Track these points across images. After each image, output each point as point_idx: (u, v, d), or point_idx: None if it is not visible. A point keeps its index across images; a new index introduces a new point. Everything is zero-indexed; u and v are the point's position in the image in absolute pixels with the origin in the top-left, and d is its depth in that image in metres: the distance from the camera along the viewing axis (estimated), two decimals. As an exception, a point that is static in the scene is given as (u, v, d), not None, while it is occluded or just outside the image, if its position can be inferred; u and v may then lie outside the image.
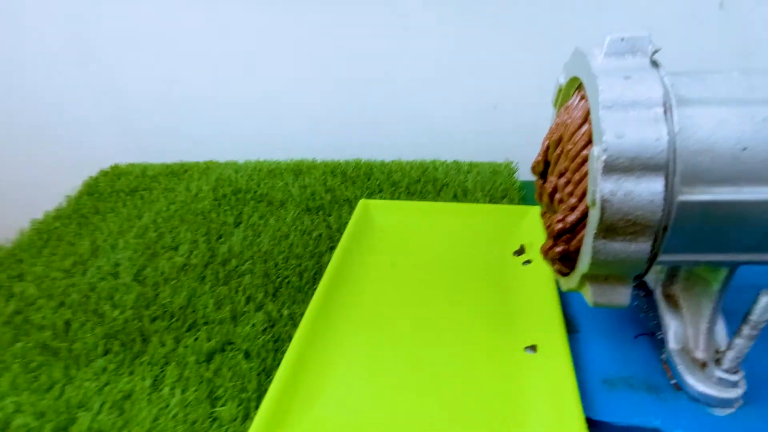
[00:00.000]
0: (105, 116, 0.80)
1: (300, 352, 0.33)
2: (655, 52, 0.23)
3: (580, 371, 0.30)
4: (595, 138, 0.23)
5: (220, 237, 0.50)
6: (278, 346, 0.36)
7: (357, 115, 0.73)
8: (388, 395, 0.31)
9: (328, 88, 0.72)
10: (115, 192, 0.63)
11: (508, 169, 0.57)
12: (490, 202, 0.52)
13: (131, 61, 0.75)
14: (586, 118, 0.25)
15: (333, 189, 0.58)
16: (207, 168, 0.67)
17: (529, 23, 0.62)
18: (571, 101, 0.29)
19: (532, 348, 0.32)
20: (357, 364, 0.33)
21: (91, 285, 0.45)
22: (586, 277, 0.25)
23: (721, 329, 0.29)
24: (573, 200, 0.25)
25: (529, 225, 0.45)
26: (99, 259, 0.49)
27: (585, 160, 0.25)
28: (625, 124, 0.21)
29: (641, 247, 0.22)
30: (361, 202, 0.50)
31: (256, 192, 0.59)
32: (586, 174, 0.24)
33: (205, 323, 0.39)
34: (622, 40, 0.23)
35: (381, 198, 0.55)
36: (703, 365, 0.29)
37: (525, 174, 0.58)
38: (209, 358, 0.35)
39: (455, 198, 0.53)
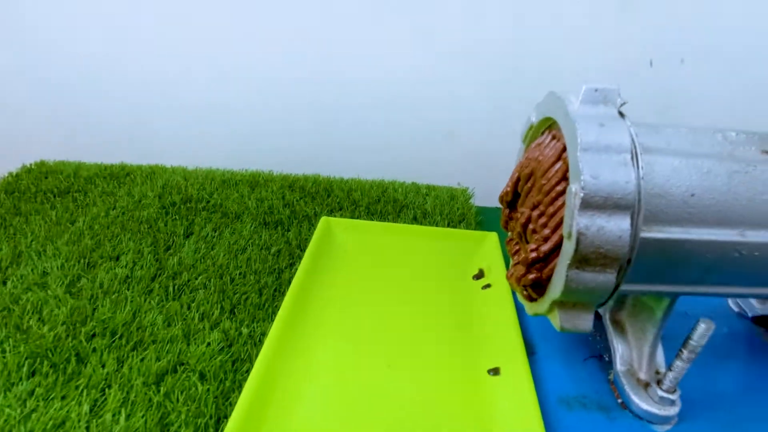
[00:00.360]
0: (33, 104, 0.73)
1: (265, 373, 0.31)
2: (623, 104, 0.26)
3: (539, 391, 0.32)
4: (571, 176, 0.25)
5: (168, 248, 0.47)
6: (238, 367, 0.34)
7: (315, 130, 0.73)
8: (354, 419, 0.30)
9: (287, 101, 0.71)
10: (41, 192, 0.57)
11: (465, 195, 0.60)
12: (449, 225, 0.53)
13: (67, 42, 0.69)
14: (559, 157, 0.28)
15: (292, 204, 0.57)
16: (152, 172, 0.62)
17: (484, 59, 0.66)
18: (542, 139, 0.31)
19: (495, 371, 0.34)
20: (323, 386, 0.32)
21: (13, 296, 0.40)
22: (556, 304, 0.27)
23: (659, 352, 0.33)
24: (546, 231, 0.27)
25: (488, 250, 0.47)
26: (22, 268, 0.43)
27: (559, 195, 0.27)
28: (600, 166, 0.23)
29: (608, 277, 0.24)
30: (323, 219, 0.50)
31: (208, 202, 0.56)
32: (559, 208, 0.26)
33: (153, 342, 0.36)
34: (596, 90, 0.25)
35: (341, 216, 0.55)
36: (646, 385, 0.31)
37: (480, 200, 0.61)
38: (159, 379, 0.33)
39: (415, 220, 0.55)
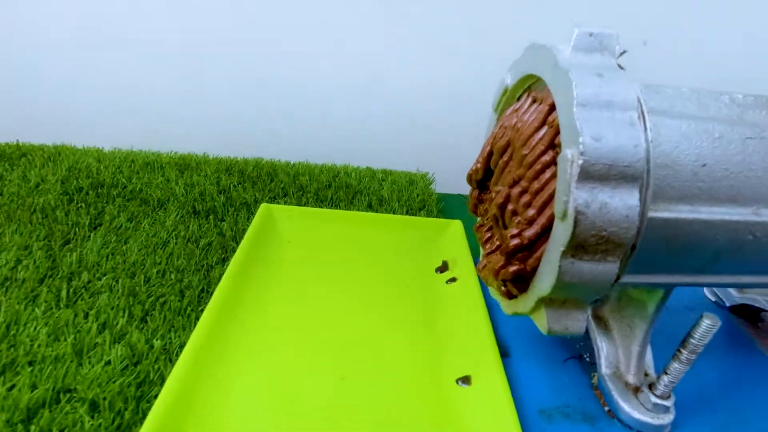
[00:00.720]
0: None
1: (177, 398, 0.24)
2: (623, 53, 0.21)
3: (516, 401, 0.27)
4: (564, 140, 0.19)
5: (67, 242, 0.38)
6: (144, 391, 0.27)
7: (258, 110, 0.65)
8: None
9: (226, 77, 0.62)
10: None
11: (425, 180, 0.54)
12: (408, 213, 0.48)
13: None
14: (543, 121, 0.22)
15: (228, 190, 0.49)
16: (57, 153, 0.52)
17: (447, 42, 0.61)
18: (519, 104, 0.26)
19: (465, 380, 0.28)
20: (257, 410, 0.26)
21: None
22: (543, 301, 0.22)
23: (648, 352, 0.29)
24: (531, 212, 0.21)
25: (451, 239, 0.42)
26: None
27: (545, 167, 0.22)
28: (602, 126, 0.18)
29: (609, 267, 0.20)
30: (263, 206, 0.43)
31: (125, 187, 0.47)
32: (546, 183, 0.21)
33: (30, 363, 0.27)
34: (591, 35, 0.20)
35: (286, 203, 0.48)
36: (636, 390, 0.27)
37: (441, 186, 0.56)
38: (31, 414, 0.25)
39: (370, 207, 0.49)
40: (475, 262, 0.39)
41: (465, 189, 0.70)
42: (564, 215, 0.19)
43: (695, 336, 0.24)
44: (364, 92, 0.63)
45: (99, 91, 0.63)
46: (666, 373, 0.26)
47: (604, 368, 0.29)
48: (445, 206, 0.51)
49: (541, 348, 0.33)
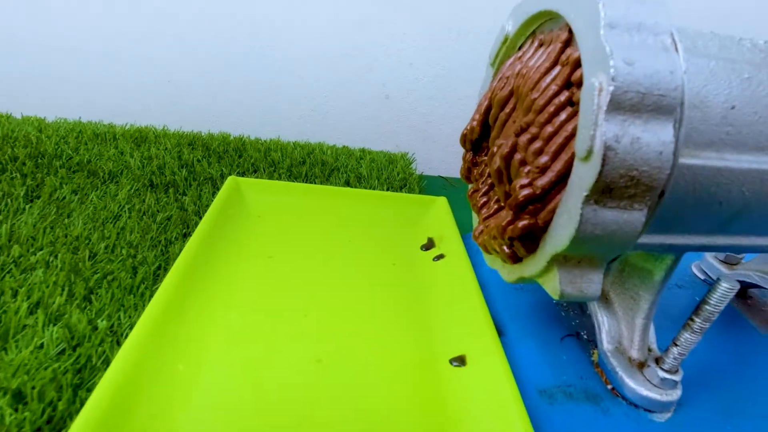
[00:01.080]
0: None
1: (123, 384, 0.20)
2: (648, -22, 0.18)
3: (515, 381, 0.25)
4: (589, 68, 0.17)
5: (-3, 214, 0.33)
6: (84, 378, 0.22)
7: (227, 83, 0.60)
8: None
9: (189, 44, 0.57)
10: None
11: (405, 159, 0.52)
12: (389, 191, 0.45)
13: None
14: (555, 61, 0.20)
15: (191, 164, 0.44)
16: (-10, 121, 0.46)
17: (427, 17, 0.59)
18: (521, 52, 0.24)
19: (460, 360, 0.26)
20: (218, 396, 0.22)
21: None
22: (556, 260, 0.19)
23: (651, 325, 0.27)
24: (544, 159, 0.19)
25: (437, 216, 0.39)
26: None
27: (559, 109, 0.19)
28: (633, 50, 0.16)
29: (635, 216, 0.17)
30: (231, 178, 0.39)
31: (70, 159, 0.42)
32: (561, 126, 0.19)
33: (-59, 348, 0.23)
34: (614, -44, 0.18)
35: (257, 179, 0.44)
36: (641, 365, 0.25)
37: (424, 169, 0.53)
38: (-63, 409, 0.20)
39: (348, 185, 0.45)
40: (464, 238, 0.36)
41: (445, 171, 0.68)
42: (589, 153, 0.16)
43: (711, 301, 0.22)
44: (337, 65, 0.60)
45: (43, 59, 0.57)
46: (675, 345, 0.24)
47: (606, 344, 0.27)
48: (427, 185, 0.49)
49: (536, 326, 0.30)
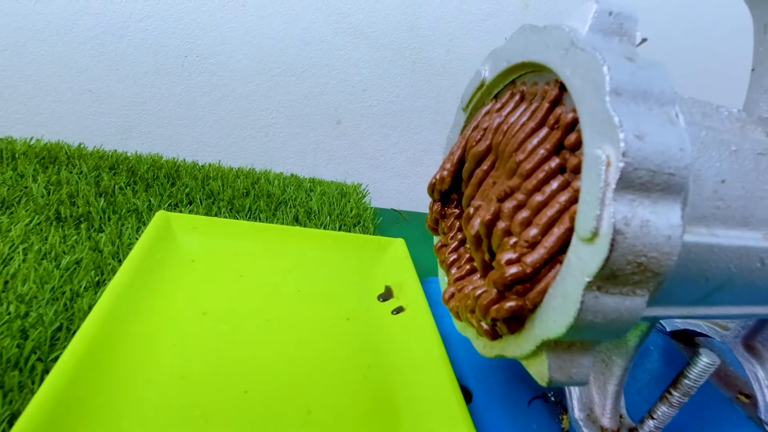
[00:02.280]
0: None
1: None
2: (643, 41, 0.17)
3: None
4: (591, 137, 0.15)
5: None
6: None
7: (159, 96, 0.54)
8: None
9: (119, 48, 0.51)
10: None
11: (358, 192, 0.49)
12: (341, 229, 0.41)
13: None
14: (542, 121, 0.18)
15: (111, 192, 0.38)
16: None
17: (384, 42, 0.57)
18: (499, 103, 0.22)
19: (428, 439, 0.23)
20: None
21: None
22: (547, 345, 0.17)
23: (622, 392, 0.26)
24: (533, 232, 0.17)
25: (394, 261, 0.36)
26: None
27: (550, 176, 0.17)
28: (641, 122, 0.14)
29: (636, 303, 0.15)
30: (160, 213, 0.33)
31: (-49, 182, 0.34)
32: (552, 196, 0.17)
33: None
34: (610, 14, 0.17)
35: (191, 212, 0.39)
36: (616, 438, 0.24)
37: (375, 200, 0.50)
38: None
39: (296, 221, 0.41)
40: (423, 287, 0.33)
41: (398, 203, 0.66)
42: (594, 235, 0.14)
43: (690, 375, 0.21)
44: (285, 84, 0.56)
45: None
46: (652, 417, 0.23)
47: (577, 411, 0.25)
48: (382, 223, 0.46)
49: (503, 388, 0.28)
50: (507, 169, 0.19)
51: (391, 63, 0.58)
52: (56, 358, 0.22)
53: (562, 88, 0.18)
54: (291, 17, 0.53)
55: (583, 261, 0.15)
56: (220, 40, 0.52)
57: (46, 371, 0.22)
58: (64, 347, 0.22)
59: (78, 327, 0.23)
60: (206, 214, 0.38)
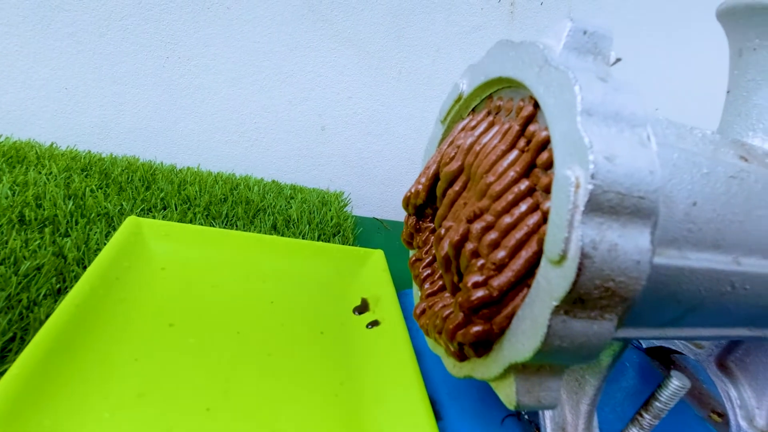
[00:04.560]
0: None
1: None
2: (617, 61, 0.17)
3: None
4: (561, 158, 0.15)
5: None
6: None
7: (137, 95, 0.53)
8: None
9: (95, 43, 0.50)
10: None
11: (339, 200, 0.48)
12: (320, 238, 0.41)
13: None
14: (512, 144, 0.18)
15: (81, 195, 0.37)
16: None
17: (371, 49, 0.57)
18: (474, 120, 0.21)
19: (396, 460, 0.22)
20: None
21: None
22: (514, 369, 0.16)
23: (594, 411, 0.25)
24: (501, 254, 0.16)
25: (372, 273, 0.36)
26: None
27: (519, 198, 0.17)
28: (612, 144, 0.14)
29: (605, 327, 0.15)
30: (130, 219, 0.32)
31: None
32: (520, 218, 0.16)
33: None
34: (585, 33, 0.16)
35: (165, 219, 0.37)
36: (587, 460, 0.24)
37: (358, 208, 0.50)
38: None
39: (275, 230, 0.40)
40: (401, 300, 0.33)
41: (380, 212, 0.65)
42: (562, 258, 0.14)
43: (662, 398, 0.21)
44: (269, 89, 0.55)
45: None
46: (623, 441, 0.22)
47: (550, 430, 0.25)
48: (361, 231, 0.45)
49: (476, 402, 0.28)
50: (477, 191, 0.19)
51: (377, 71, 0.58)
52: (5, 372, 0.21)
53: (537, 105, 0.18)
54: (277, 22, 0.53)
55: (551, 284, 0.14)
56: (203, 42, 0.51)
57: (-6, 385, 0.21)
58: (12, 360, 0.21)
59: (31, 338, 0.22)
60: (180, 221, 0.37)
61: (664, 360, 0.37)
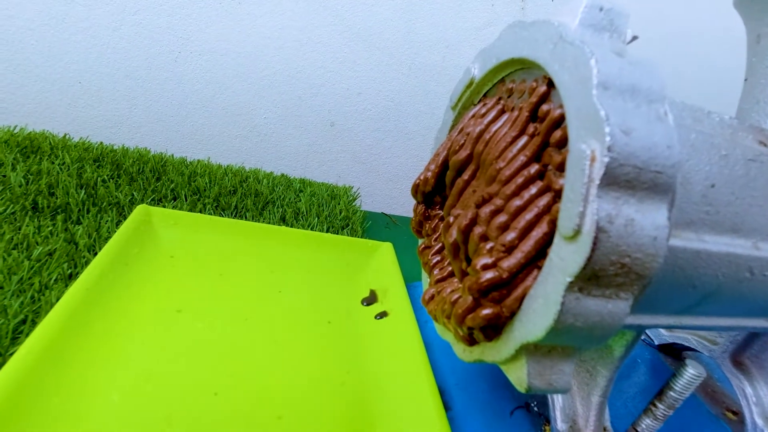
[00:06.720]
0: None
1: None
2: (634, 39, 0.17)
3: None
4: (576, 132, 0.15)
5: None
6: None
7: (150, 89, 0.53)
8: None
9: (110, 39, 0.50)
10: None
11: (348, 194, 0.48)
12: (329, 231, 0.41)
13: None
14: (522, 130, 0.18)
15: (93, 185, 0.37)
16: None
17: (381, 46, 0.57)
18: (478, 109, 0.21)
19: (403, 447, 0.22)
20: None
21: None
22: (526, 350, 0.16)
23: (606, 403, 0.25)
24: (510, 236, 0.16)
25: (380, 265, 0.35)
26: None
27: (529, 181, 0.17)
28: (629, 117, 0.14)
29: (619, 307, 0.15)
30: (141, 207, 0.32)
31: (-75, 167, 0.33)
32: (530, 200, 0.16)
33: None
34: (601, 9, 0.16)
35: (175, 208, 0.38)
36: (599, 452, 0.23)
37: (366, 203, 0.49)
38: None
39: (283, 221, 0.40)
40: (410, 292, 0.33)
41: (389, 208, 0.65)
42: (576, 233, 0.14)
43: (676, 387, 0.20)
44: (279, 85, 0.56)
45: None
46: (636, 431, 0.22)
47: (560, 423, 0.24)
48: (371, 226, 0.45)
49: (485, 393, 0.27)
50: (487, 177, 0.19)
51: (387, 67, 0.58)
52: (12, 354, 0.21)
53: (551, 84, 0.17)
54: (287, 17, 0.53)
55: (564, 261, 0.14)
56: (215, 37, 0.52)
57: (2, 365, 0.21)
58: (23, 341, 0.21)
59: (41, 320, 0.22)
60: (190, 211, 0.38)
61: (677, 356, 0.37)
